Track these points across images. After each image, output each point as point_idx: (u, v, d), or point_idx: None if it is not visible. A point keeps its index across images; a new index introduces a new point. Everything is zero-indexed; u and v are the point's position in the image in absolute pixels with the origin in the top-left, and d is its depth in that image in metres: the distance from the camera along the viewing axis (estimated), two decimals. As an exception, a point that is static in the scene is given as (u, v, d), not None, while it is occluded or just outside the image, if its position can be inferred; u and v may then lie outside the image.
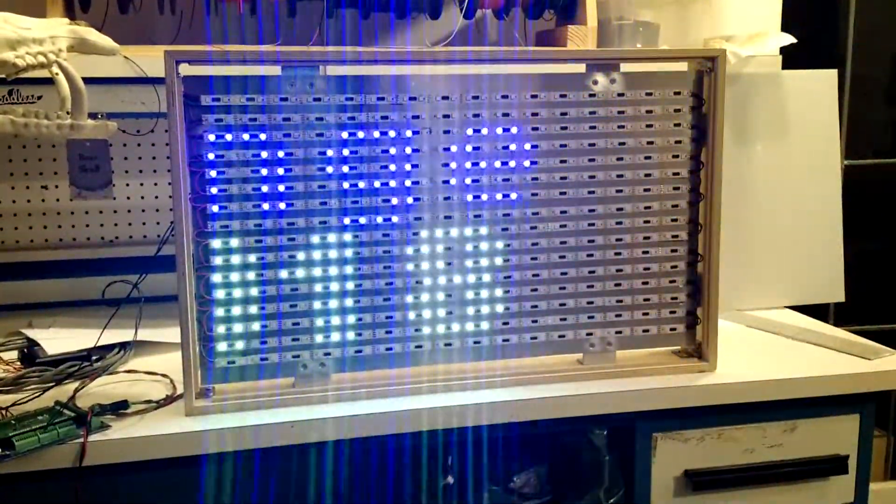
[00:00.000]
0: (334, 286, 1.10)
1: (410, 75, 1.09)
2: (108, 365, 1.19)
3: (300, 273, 1.08)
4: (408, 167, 1.10)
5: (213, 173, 1.04)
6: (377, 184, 1.09)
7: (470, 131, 1.11)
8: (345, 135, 1.07)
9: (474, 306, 1.14)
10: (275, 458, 1.05)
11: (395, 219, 1.10)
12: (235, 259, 1.06)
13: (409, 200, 1.10)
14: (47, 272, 1.54)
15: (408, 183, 1.10)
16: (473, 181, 1.12)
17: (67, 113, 1.04)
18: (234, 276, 1.07)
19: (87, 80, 1.05)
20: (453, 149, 1.11)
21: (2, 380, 1.13)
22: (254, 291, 1.07)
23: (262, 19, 1.45)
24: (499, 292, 1.15)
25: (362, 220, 1.09)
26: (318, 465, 1.07)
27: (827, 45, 2.13)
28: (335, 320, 1.10)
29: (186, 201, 1.03)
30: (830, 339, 1.34)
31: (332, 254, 1.09)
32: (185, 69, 1.02)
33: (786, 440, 1.21)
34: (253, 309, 1.08)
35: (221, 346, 1.07)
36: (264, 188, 1.06)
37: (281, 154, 1.06)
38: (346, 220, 1.09)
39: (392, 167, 1.09)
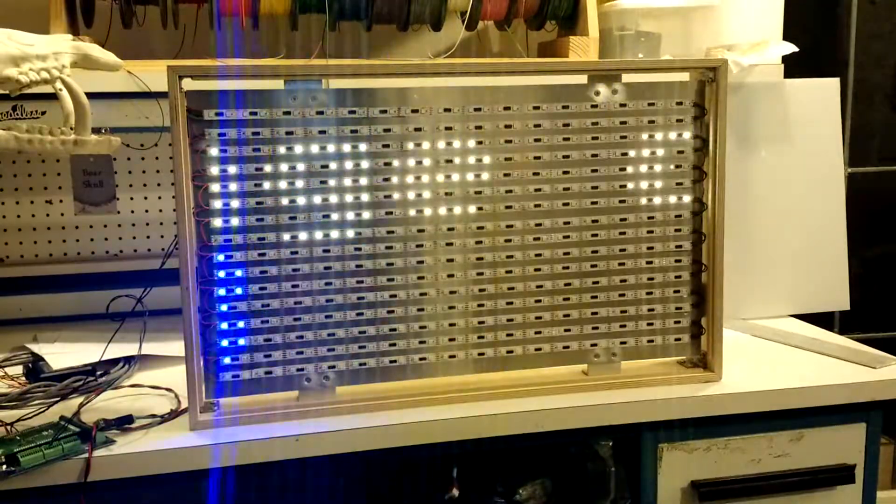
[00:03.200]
0: (338, 299, 1.10)
1: (413, 88, 1.09)
2: (113, 379, 1.19)
3: (303, 286, 1.08)
4: (410, 179, 1.10)
5: (217, 187, 1.04)
6: (380, 196, 1.09)
7: (472, 143, 1.11)
8: (347, 147, 1.07)
9: (478, 318, 1.14)
10: (279, 471, 1.05)
11: (398, 231, 1.10)
12: (239, 272, 1.06)
13: (412, 213, 1.10)
14: (52, 287, 1.55)
15: (410, 195, 1.10)
16: (476, 192, 1.12)
17: (71, 128, 1.04)
18: (238, 290, 1.07)
19: (90, 96, 1.05)
20: (456, 160, 1.11)
21: (6, 395, 1.13)
22: (257, 305, 1.07)
23: (265, 33, 1.45)
24: (502, 303, 1.14)
25: (365, 233, 1.09)
26: (323, 479, 1.07)
27: (829, 52, 2.13)
28: (339, 333, 1.10)
29: (190, 215, 1.03)
30: (836, 347, 1.34)
31: (336, 266, 1.09)
32: (188, 83, 1.02)
33: (792, 450, 1.21)
34: (257, 322, 1.08)
35: (226, 360, 1.07)
36: (267, 201, 1.06)
37: (284, 167, 1.06)
38: (350, 233, 1.09)
39: (394, 179, 1.09)
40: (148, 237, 1.60)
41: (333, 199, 1.08)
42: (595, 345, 1.18)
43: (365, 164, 1.08)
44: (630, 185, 1.16)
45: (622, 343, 1.19)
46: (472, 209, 1.12)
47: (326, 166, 1.07)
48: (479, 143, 1.11)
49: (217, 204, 1.05)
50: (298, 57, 1.42)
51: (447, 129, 1.10)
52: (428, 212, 1.11)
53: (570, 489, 1.23)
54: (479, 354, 1.15)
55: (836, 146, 1.55)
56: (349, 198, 1.08)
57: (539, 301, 1.15)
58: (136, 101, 1.27)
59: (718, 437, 1.18)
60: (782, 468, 1.21)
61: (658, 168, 1.16)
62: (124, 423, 1.03)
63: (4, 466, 0.93)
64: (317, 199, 1.07)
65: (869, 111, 2.17)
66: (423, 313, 1.12)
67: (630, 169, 1.16)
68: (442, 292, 1.12)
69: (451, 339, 1.14)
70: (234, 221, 1.05)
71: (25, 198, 1.55)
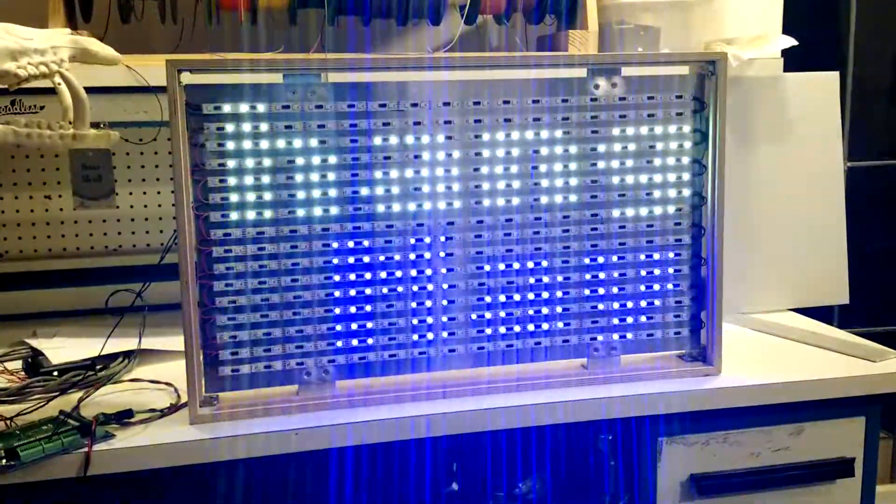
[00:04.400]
0: (337, 293, 1.10)
1: (412, 81, 1.09)
2: (113, 374, 1.19)
3: (303, 280, 1.08)
4: (409, 173, 1.10)
5: (216, 181, 1.04)
6: (379, 190, 1.09)
7: (471, 137, 1.11)
8: (346, 142, 1.07)
9: (478, 312, 1.14)
10: (279, 465, 1.05)
11: (397, 225, 1.10)
12: (238, 267, 1.06)
13: (412, 207, 1.10)
14: (51, 282, 1.55)
15: (410, 189, 1.10)
16: (475, 187, 1.12)
17: (70, 123, 1.04)
18: (238, 284, 1.07)
19: (89, 90, 1.05)
20: (455, 154, 1.11)
21: (6, 390, 1.13)
22: (257, 299, 1.07)
23: (264, 27, 1.45)
24: (502, 297, 1.14)
25: (364, 227, 1.09)
26: (322, 473, 1.07)
27: (828, 47, 2.13)
28: (338, 327, 1.10)
29: (189, 209, 1.03)
30: (835, 341, 1.34)
31: (335, 260, 1.09)
32: (187, 78, 1.02)
33: (791, 443, 1.21)
34: (256, 317, 1.08)
35: (225, 355, 1.07)
36: (267, 196, 1.06)
37: (283, 162, 1.06)
38: (348, 227, 1.09)
39: (394, 174, 1.09)
40: (147, 232, 1.60)
41: (333, 193, 1.08)
42: (594, 338, 1.18)
43: (364, 158, 1.08)
44: (629, 179, 1.16)
45: (621, 337, 1.19)
46: (471, 203, 1.12)
47: (326, 160, 1.07)
48: (478, 136, 1.11)
49: (216, 198, 1.05)
50: (297, 52, 1.42)
51: (446, 122, 1.10)
52: (427, 205, 1.11)
53: (570, 483, 1.23)
54: (479, 348, 1.15)
55: (836, 140, 1.55)
56: (348, 192, 1.08)
57: (538, 295, 1.15)
58: (135, 96, 1.26)
59: (717, 431, 1.18)
60: (782, 462, 1.21)
61: (657, 162, 1.16)
62: (124, 417, 1.03)
63: (4, 461, 0.93)
64: (316, 193, 1.07)
65: (868, 106, 2.17)
66: (423, 307, 1.12)
67: (629, 162, 1.16)
68: (441, 286, 1.12)
69: (450, 333, 1.14)
70: (234, 216, 1.05)
71: (24, 192, 1.55)
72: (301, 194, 1.07)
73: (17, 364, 1.25)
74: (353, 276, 1.10)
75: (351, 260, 1.09)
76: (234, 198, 1.05)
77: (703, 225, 1.18)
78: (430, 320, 1.13)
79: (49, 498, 0.97)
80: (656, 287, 1.19)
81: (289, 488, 1.07)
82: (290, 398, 1.09)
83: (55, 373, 1.19)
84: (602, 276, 1.17)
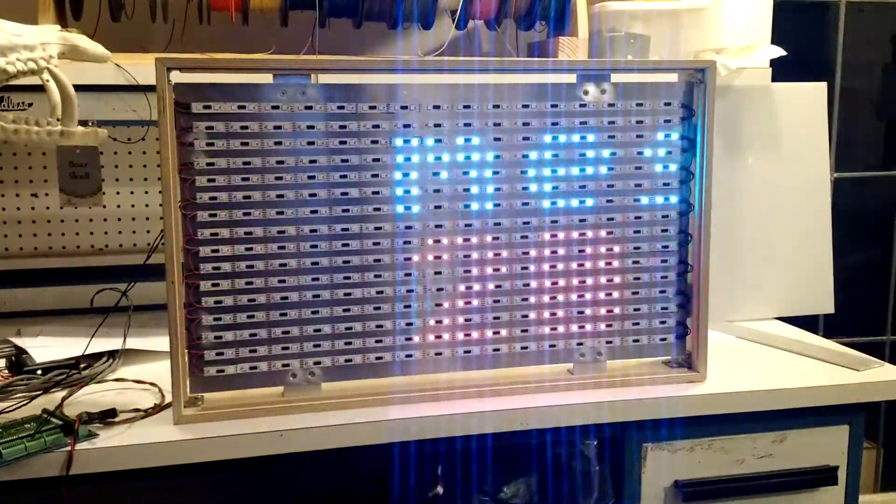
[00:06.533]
0: (324, 294, 1.09)
1: (402, 84, 1.09)
2: (97, 373, 1.18)
3: (290, 281, 1.08)
4: (398, 176, 1.10)
5: (204, 181, 1.04)
6: (368, 192, 1.09)
7: (461, 140, 1.11)
8: (335, 143, 1.07)
9: (464, 316, 1.14)
10: (263, 467, 1.04)
11: (385, 228, 1.10)
12: (225, 267, 1.06)
13: (400, 209, 1.10)
14: (36, 280, 1.54)
15: (398, 192, 1.10)
16: (464, 190, 1.12)
17: (58, 120, 1.04)
18: (224, 284, 1.06)
19: (77, 88, 1.05)
20: (444, 158, 1.11)
21: (-11, 388, 1.13)
22: (243, 300, 1.07)
23: (255, 29, 1.45)
24: (489, 302, 1.14)
25: (353, 229, 1.09)
26: (307, 475, 1.07)
27: (817, 57, 2.14)
28: (325, 329, 1.10)
29: (176, 209, 1.03)
30: (820, 350, 1.34)
31: (322, 262, 1.09)
32: (177, 77, 1.02)
33: (775, 451, 1.21)
34: (242, 317, 1.07)
35: (210, 355, 1.07)
36: (255, 196, 1.06)
37: (272, 162, 1.06)
38: (337, 228, 1.09)
39: (382, 176, 1.09)
40: (134, 231, 1.60)
41: (321, 194, 1.08)
42: (581, 344, 1.18)
43: (353, 160, 1.08)
44: (617, 185, 1.16)
45: (608, 342, 1.19)
46: (459, 206, 1.12)
47: (314, 161, 1.07)
48: (468, 140, 1.11)
49: (204, 197, 1.04)
50: (288, 53, 1.42)
51: (436, 125, 1.10)
52: (416, 208, 1.11)
53: (555, 488, 1.23)
54: (466, 352, 1.15)
55: (823, 150, 1.56)
56: (337, 193, 1.08)
57: (525, 299, 1.16)
58: (124, 95, 1.26)
59: (702, 438, 1.18)
60: (765, 469, 1.21)
61: (645, 168, 1.17)
62: (107, 416, 1.02)
63: (-15, 458, 0.92)
64: (304, 194, 1.07)
65: (855, 117, 2.18)
66: (410, 310, 1.12)
67: (617, 168, 1.16)
68: (429, 289, 1.12)
69: (437, 337, 1.14)
70: (221, 215, 1.05)
71: (10, 190, 1.54)
72: (289, 195, 1.07)
73: (1, 362, 1.25)
74: (340, 278, 1.09)
75: (338, 261, 1.09)
76: (221, 197, 1.05)
77: (690, 232, 1.19)
78: (417, 323, 1.13)
79: (31, 496, 0.97)
80: (643, 293, 1.19)
81: (272, 490, 1.06)
82: (275, 400, 1.09)
83: (39, 371, 1.18)
84: (589, 281, 1.17)
